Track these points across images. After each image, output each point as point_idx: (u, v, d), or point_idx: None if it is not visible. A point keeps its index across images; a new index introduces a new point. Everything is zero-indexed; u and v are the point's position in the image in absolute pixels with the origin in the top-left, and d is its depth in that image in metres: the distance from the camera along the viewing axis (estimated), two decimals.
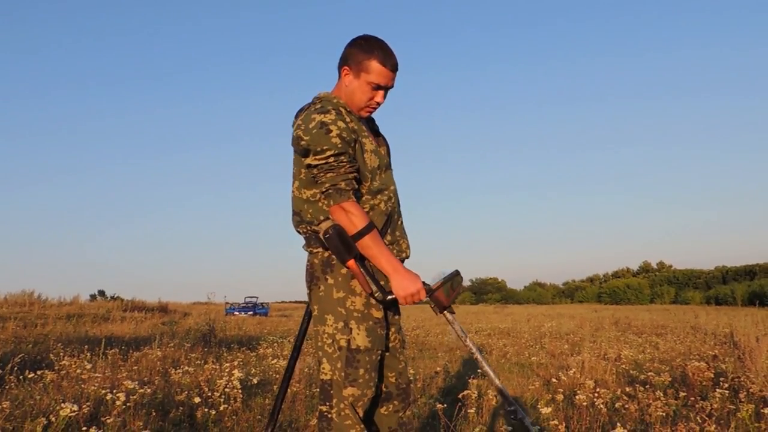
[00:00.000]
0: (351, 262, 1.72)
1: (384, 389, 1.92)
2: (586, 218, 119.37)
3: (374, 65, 1.82)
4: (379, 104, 1.90)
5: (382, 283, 1.77)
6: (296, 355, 2.09)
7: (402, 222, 1.97)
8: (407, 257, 1.95)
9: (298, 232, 1.90)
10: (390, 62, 1.84)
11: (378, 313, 1.81)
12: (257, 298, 35.51)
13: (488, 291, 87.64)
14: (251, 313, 30.06)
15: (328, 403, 1.77)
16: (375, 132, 2.06)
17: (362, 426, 1.75)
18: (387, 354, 1.90)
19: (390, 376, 1.92)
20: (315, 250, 1.84)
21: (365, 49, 1.84)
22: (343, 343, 1.76)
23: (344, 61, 1.88)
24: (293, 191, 1.88)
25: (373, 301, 1.80)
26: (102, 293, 29.66)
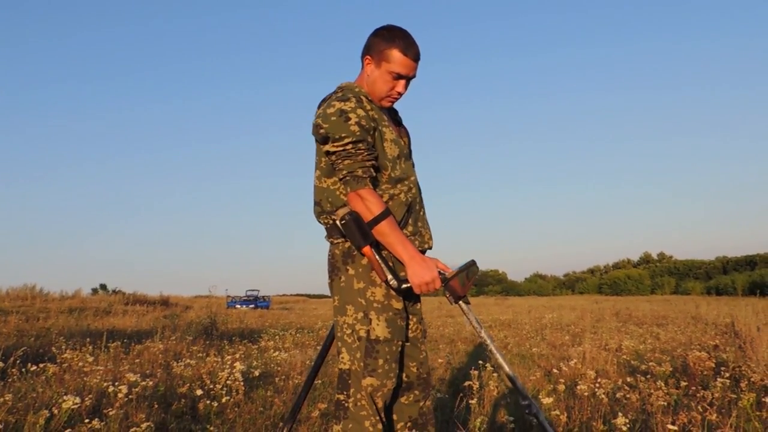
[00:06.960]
0: (366, 249, 1.71)
1: (405, 379, 1.92)
2: (587, 210, 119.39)
3: (395, 54, 1.82)
4: (400, 94, 1.89)
5: (402, 275, 1.76)
6: (324, 354, 2.12)
7: (424, 213, 1.97)
8: (430, 248, 1.95)
9: (320, 222, 1.90)
10: (411, 51, 1.83)
11: (398, 304, 1.81)
12: (258, 291, 35.59)
13: (489, 283, 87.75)
14: (253, 306, 30.12)
15: (345, 392, 1.78)
16: (397, 122, 2.05)
17: (378, 417, 1.74)
18: (408, 344, 1.90)
19: (411, 366, 1.92)
20: (336, 241, 1.84)
21: (387, 38, 1.83)
22: (362, 333, 1.76)
23: (366, 51, 1.88)
24: (314, 180, 1.88)
25: (392, 291, 1.79)
26: (104, 287, 29.66)
